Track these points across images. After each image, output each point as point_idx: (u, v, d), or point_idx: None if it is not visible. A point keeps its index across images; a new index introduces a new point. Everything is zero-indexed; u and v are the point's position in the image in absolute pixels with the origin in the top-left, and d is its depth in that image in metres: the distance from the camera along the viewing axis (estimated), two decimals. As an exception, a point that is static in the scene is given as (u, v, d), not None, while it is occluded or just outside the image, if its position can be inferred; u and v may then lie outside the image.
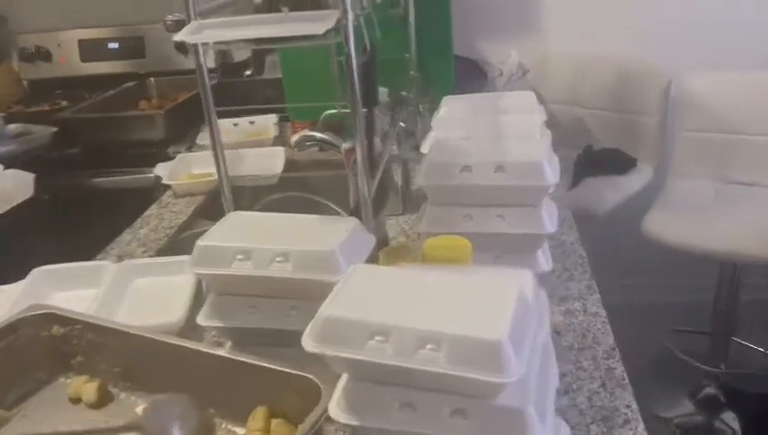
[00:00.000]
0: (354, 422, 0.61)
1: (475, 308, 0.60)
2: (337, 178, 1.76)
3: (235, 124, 2.02)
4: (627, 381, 0.80)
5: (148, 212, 1.48)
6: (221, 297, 0.80)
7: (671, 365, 2.06)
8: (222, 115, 2.01)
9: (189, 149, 1.92)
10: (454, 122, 1.13)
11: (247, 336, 0.80)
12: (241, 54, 2.45)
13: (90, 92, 2.41)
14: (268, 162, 1.68)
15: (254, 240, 0.76)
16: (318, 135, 1.37)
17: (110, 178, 1.96)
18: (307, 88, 1.79)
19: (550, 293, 0.71)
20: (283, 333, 0.78)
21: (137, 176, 1.92)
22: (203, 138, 1.86)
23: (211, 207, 1.56)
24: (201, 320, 0.81)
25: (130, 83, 2.40)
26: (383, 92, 1.58)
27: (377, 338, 0.58)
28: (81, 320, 0.87)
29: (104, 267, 1.11)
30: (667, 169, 2.15)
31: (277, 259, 0.74)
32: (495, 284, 0.64)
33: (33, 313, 0.89)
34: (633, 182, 2.08)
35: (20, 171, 1.22)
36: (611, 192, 2.01)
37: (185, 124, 2.05)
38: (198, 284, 1.04)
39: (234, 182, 1.58)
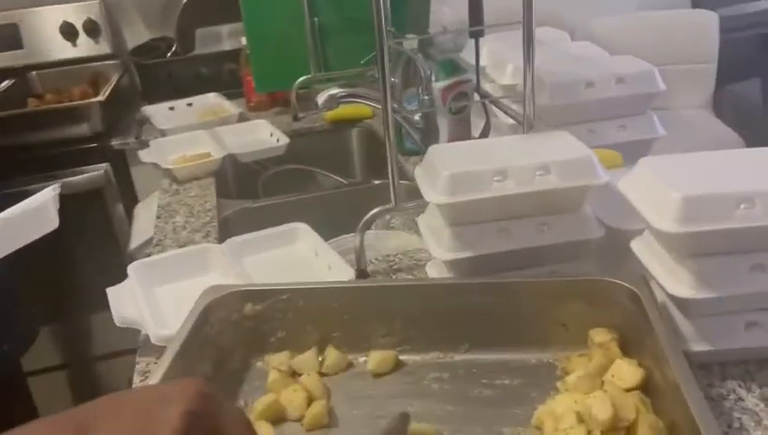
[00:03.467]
0: (710, 295, 0.64)
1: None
2: (325, 147, 1.70)
3: (171, 108, 1.83)
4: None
5: (162, 202, 1.30)
6: (463, 228, 0.76)
7: None
8: (155, 100, 1.83)
9: (138, 139, 1.70)
10: (514, 55, 1.17)
11: (491, 263, 0.78)
12: (143, 34, 2.20)
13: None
14: (257, 136, 1.56)
15: (499, 161, 0.74)
16: (351, 90, 1.32)
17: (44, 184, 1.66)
18: (276, 57, 1.68)
19: None
20: (534, 252, 0.77)
21: (79, 177, 1.67)
22: (161, 121, 1.66)
23: (225, 188, 1.42)
24: (443, 255, 0.76)
25: (10, 81, 2.04)
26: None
27: (743, 206, 0.62)
28: (287, 288, 0.77)
29: (208, 250, 0.98)
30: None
31: (538, 173, 0.73)
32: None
33: (219, 294, 0.77)
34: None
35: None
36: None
37: (120, 113, 1.81)
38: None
39: (238, 159, 1.47)
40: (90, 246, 1.65)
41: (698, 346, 0.68)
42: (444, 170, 0.74)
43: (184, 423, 0.39)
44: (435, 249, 0.77)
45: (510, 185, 0.73)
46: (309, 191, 1.50)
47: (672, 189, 0.63)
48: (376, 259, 1.00)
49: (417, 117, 1.29)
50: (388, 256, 1.01)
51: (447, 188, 0.73)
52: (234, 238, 1.00)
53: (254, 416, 0.69)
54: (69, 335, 1.77)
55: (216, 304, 0.76)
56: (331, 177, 1.62)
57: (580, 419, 0.61)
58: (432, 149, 0.81)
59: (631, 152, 1.05)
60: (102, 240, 1.66)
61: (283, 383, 0.73)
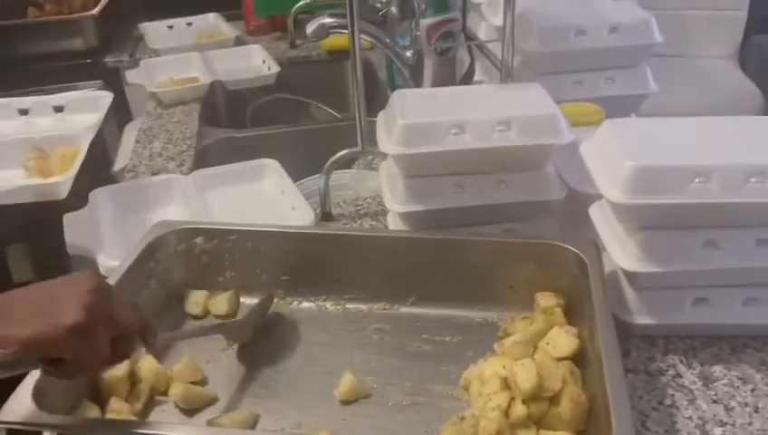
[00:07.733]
0: (658, 269, 0.62)
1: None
2: (321, 78, 1.65)
3: (170, 27, 1.79)
4: None
5: (144, 125, 1.28)
6: (417, 180, 0.74)
7: None
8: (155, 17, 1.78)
9: (132, 57, 1.67)
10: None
11: (445, 218, 0.75)
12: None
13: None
14: (249, 63, 1.52)
15: (459, 113, 0.71)
16: (342, 21, 1.27)
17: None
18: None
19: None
20: (490, 210, 0.75)
21: (71, 93, 1.64)
22: (154, 40, 1.62)
23: (210, 114, 1.39)
24: (395, 206, 0.74)
25: (9, -13, 1.99)
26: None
27: (698, 180, 0.58)
28: (235, 229, 0.76)
29: (171, 182, 0.97)
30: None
31: (498, 128, 0.70)
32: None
33: (166, 230, 0.76)
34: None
35: None
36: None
37: (116, 29, 1.77)
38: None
39: (225, 86, 1.44)
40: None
41: (642, 319, 0.66)
42: (400, 119, 0.70)
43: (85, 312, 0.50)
44: (388, 200, 0.75)
45: (467, 139, 0.70)
46: (299, 124, 1.47)
47: (626, 157, 0.60)
48: (344, 202, 0.98)
49: (408, 54, 1.24)
50: (357, 199, 0.99)
51: (402, 138, 0.70)
52: (200, 171, 0.99)
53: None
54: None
55: (162, 241, 0.75)
56: (325, 109, 1.59)
57: (505, 385, 0.60)
58: (396, 93, 0.78)
59: (620, 107, 1.00)
60: (94, 161, 1.65)
61: None
